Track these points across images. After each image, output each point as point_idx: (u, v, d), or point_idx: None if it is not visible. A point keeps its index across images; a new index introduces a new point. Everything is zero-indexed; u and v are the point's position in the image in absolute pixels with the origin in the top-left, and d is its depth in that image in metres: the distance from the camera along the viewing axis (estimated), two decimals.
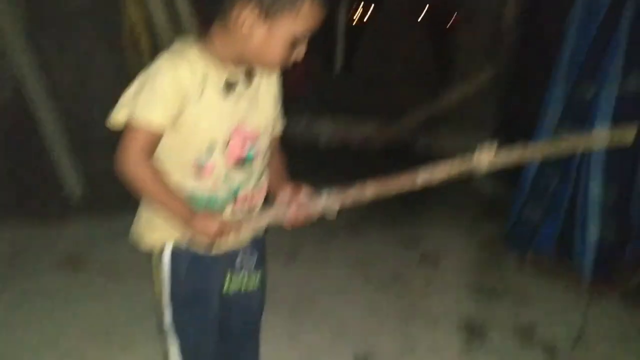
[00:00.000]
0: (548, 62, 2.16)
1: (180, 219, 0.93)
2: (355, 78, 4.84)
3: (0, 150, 2.26)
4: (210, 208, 0.96)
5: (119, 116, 0.90)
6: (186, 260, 1.01)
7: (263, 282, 1.14)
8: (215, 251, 0.99)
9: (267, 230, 1.08)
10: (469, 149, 0.93)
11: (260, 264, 1.12)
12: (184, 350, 1.08)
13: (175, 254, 1.00)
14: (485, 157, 0.94)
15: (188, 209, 0.93)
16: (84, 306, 1.66)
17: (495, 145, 0.95)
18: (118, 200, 2.19)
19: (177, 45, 0.93)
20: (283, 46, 0.90)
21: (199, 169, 0.94)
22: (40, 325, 1.55)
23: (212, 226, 0.93)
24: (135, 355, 1.45)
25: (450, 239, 2.36)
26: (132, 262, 1.82)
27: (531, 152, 0.99)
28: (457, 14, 4.86)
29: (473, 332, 1.66)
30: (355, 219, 2.41)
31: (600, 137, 1.07)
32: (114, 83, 0.99)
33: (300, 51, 0.92)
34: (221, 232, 0.94)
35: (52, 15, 2.32)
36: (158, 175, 0.91)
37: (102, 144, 2.46)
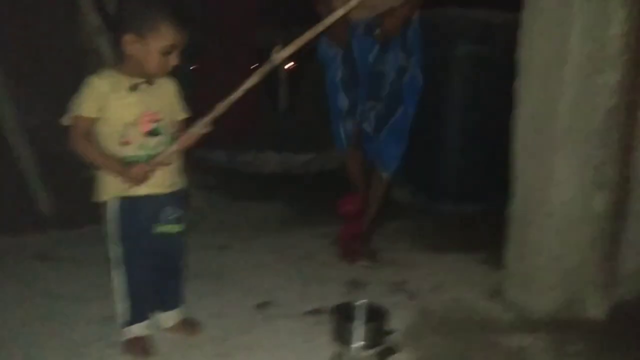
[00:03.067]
0: None
1: (114, 172, 1.47)
2: (296, 116, 5.53)
3: None
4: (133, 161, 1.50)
5: (67, 119, 1.48)
6: (124, 208, 1.53)
7: (182, 231, 1.65)
8: (146, 192, 1.52)
9: (187, 192, 1.64)
10: None
11: (180, 217, 1.63)
12: (124, 278, 1.58)
13: (117, 203, 1.52)
14: (278, 54, 1.53)
15: (119, 164, 1.47)
16: (53, 287, 2.08)
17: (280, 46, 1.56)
18: (81, 212, 2.71)
19: (97, 71, 1.52)
20: (156, 57, 1.47)
21: (123, 139, 1.48)
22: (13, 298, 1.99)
23: (132, 170, 1.46)
24: (90, 309, 1.90)
25: None
26: (92, 255, 2.32)
27: (305, 37, 1.56)
28: None
29: (356, 286, 2.18)
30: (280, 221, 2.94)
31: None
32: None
33: (172, 59, 1.50)
34: (143, 173, 1.47)
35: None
36: (91, 145, 1.47)
37: (68, 167, 2.97)
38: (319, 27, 1.58)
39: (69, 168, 2.99)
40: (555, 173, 1.79)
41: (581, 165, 1.78)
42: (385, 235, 2.83)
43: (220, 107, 1.57)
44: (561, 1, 1.73)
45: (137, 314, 1.60)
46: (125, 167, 1.48)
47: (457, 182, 3.39)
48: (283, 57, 1.59)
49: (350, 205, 2.00)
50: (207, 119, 1.55)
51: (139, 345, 1.59)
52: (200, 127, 1.55)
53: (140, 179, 1.49)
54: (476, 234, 2.81)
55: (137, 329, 1.60)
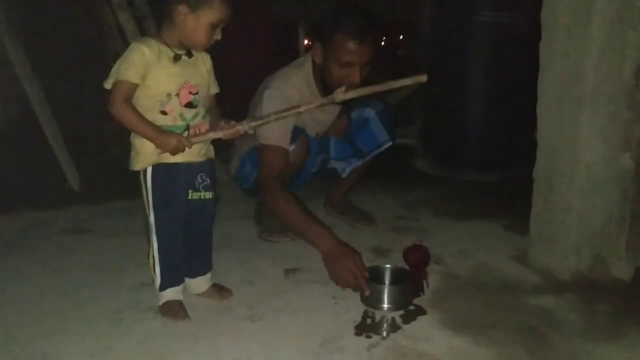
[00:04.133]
0: None
1: (151, 138, 1.50)
2: None
3: (12, 153, 2.81)
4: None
5: (108, 82, 1.49)
6: (161, 175, 1.57)
7: (214, 197, 1.69)
8: (182, 159, 1.56)
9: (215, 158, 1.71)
10: None
11: (212, 185, 1.67)
12: (160, 243, 1.63)
13: (154, 171, 1.57)
14: (341, 94, 1.63)
15: (156, 131, 1.50)
16: (87, 258, 2.15)
17: (343, 88, 1.69)
18: (108, 190, 2.78)
19: (140, 38, 1.53)
20: (205, 30, 1.50)
21: (163, 109, 1.52)
22: (51, 269, 2.06)
23: (172, 140, 1.50)
24: (125, 278, 1.97)
25: (382, 201, 2.92)
26: (121, 228, 2.39)
27: (367, 90, 1.67)
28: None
29: (380, 252, 2.22)
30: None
31: (408, 80, 1.67)
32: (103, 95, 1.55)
33: (217, 35, 1.53)
34: (178, 143, 1.50)
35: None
36: (133, 110, 1.49)
37: (95, 147, 3.04)
38: (387, 86, 1.70)
39: (96, 146, 3.08)
40: (581, 134, 1.78)
41: (607, 125, 1.77)
42: (408, 204, 2.85)
43: (271, 118, 1.69)
44: None
45: (172, 278, 1.66)
46: (167, 135, 1.51)
47: (478, 150, 3.38)
48: (344, 98, 1.72)
49: (417, 254, 1.99)
50: (257, 123, 1.65)
51: (174, 307, 1.65)
52: (246, 127, 1.61)
53: (177, 150, 1.52)
54: (499, 201, 2.81)
55: (172, 293, 1.66)
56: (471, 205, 2.81)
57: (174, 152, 1.53)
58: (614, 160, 1.79)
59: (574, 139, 1.81)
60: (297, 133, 2.17)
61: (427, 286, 1.86)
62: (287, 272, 2.02)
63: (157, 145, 1.53)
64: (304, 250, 2.20)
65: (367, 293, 1.73)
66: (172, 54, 1.53)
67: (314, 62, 2.18)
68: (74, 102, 2.99)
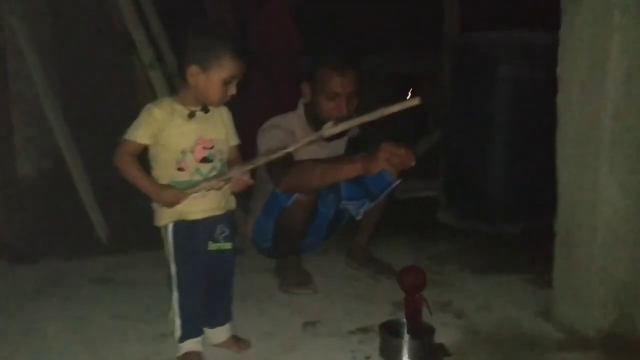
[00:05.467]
0: None
1: (148, 191, 1.57)
2: None
3: (44, 204, 2.91)
4: (190, 188, 1.59)
5: (122, 139, 1.57)
6: (182, 231, 1.62)
7: (233, 248, 1.74)
8: (202, 216, 1.62)
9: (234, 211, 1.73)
10: None
11: (232, 235, 1.72)
12: (181, 294, 1.66)
13: (175, 227, 1.62)
14: (329, 128, 1.67)
15: (153, 186, 1.56)
16: (112, 308, 2.20)
17: (331, 122, 1.72)
18: (134, 240, 2.85)
19: (156, 100, 1.65)
20: (218, 88, 1.56)
21: (179, 165, 1.57)
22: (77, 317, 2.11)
23: (168, 193, 1.56)
24: (147, 328, 1.99)
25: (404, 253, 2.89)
26: (146, 278, 2.43)
27: (357, 121, 1.70)
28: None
29: (401, 306, 2.18)
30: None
31: (399, 106, 1.61)
32: None
33: (231, 90, 1.59)
34: (173, 198, 1.56)
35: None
36: (134, 165, 1.56)
37: (124, 200, 3.13)
38: (377, 114, 1.63)
39: (124, 197, 3.17)
40: (599, 187, 1.77)
41: (627, 177, 1.76)
42: (431, 256, 2.83)
43: (260, 160, 1.71)
44: (598, 17, 1.74)
45: (192, 330, 1.67)
46: (161, 189, 1.57)
47: (502, 202, 3.35)
48: (333, 132, 1.72)
49: (412, 277, 1.98)
50: (246, 167, 1.64)
51: (193, 359, 1.66)
52: (237, 173, 1.62)
53: (173, 203, 1.57)
54: (524, 254, 2.77)
55: (192, 344, 1.67)
56: (495, 259, 2.78)
57: (170, 205, 1.58)
58: (635, 213, 1.77)
59: (592, 192, 1.80)
60: None
61: (430, 312, 1.83)
62: (306, 325, 2.01)
63: (154, 199, 1.59)
64: (324, 304, 2.21)
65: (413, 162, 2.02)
66: (186, 112, 1.60)
67: (306, 105, 2.32)
68: (105, 155, 3.11)
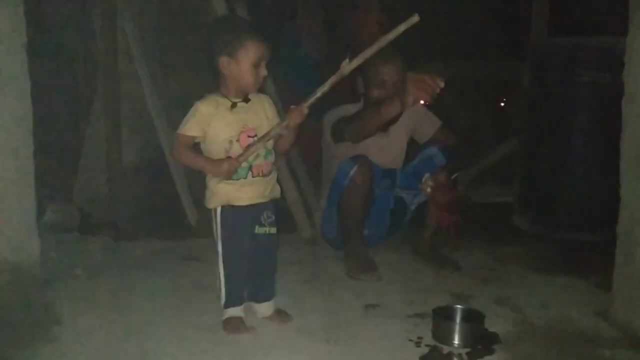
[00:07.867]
0: None
1: (205, 168, 1.78)
2: None
3: (144, 189, 3.28)
4: (237, 174, 1.79)
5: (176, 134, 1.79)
6: (229, 215, 1.84)
7: (277, 231, 1.93)
8: (248, 202, 1.82)
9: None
10: None
11: (275, 221, 1.92)
12: (226, 269, 1.88)
13: (223, 211, 1.84)
14: (346, 65, 1.79)
15: (208, 162, 1.77)
16: (198, 281, 2.46)
17: (347, 60, 1.82)
18: None
19: (205, 97, 1.83)
20: (249, 71, 1.74)
21: (227, 154, 1.77)
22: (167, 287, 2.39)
23: (223, 165, 1.75)
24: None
25: (472, 252, 2.96)
26: None
27: (370, 51, 1.81)
28: None
29: (460, 298, 2.29)
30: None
31: (402, 26, 1.77)
32: None
33: (262, 72, 1.77)
34: (230, 167, 1.74)
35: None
36: (188, 151, 1.79)
37: None
38: (387, 38, 1.80)
39: None
40: None
41: None
42: (498, 257, 2.88)
43: (317, 94, 1.81)
44: None
45: (235, 299, 1.90)
46: (216, 162, 1.75)
47: (578, 210, 3.33)
48: (351, 68, 1.82)
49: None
50: (308, 102, 1.80)
51: (235, 322, 1.88)
52: (278, 130, 1.80)
53: (229, 172, 1.75)
54: (592, 261, 2.75)
55: (234, 311, 1.90)
56: (562, 263, 2.78)
57: (227, 176, 1.76)
58: None
59: None
60: (358, 157, 2.47)
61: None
62: (367, 307, 2.17)
63: (212, 174, 1.78)
64: (386, 290, 2.36)
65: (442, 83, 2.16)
66: (229, 104, 1.78)
67: (362, 96, 2.68)
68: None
